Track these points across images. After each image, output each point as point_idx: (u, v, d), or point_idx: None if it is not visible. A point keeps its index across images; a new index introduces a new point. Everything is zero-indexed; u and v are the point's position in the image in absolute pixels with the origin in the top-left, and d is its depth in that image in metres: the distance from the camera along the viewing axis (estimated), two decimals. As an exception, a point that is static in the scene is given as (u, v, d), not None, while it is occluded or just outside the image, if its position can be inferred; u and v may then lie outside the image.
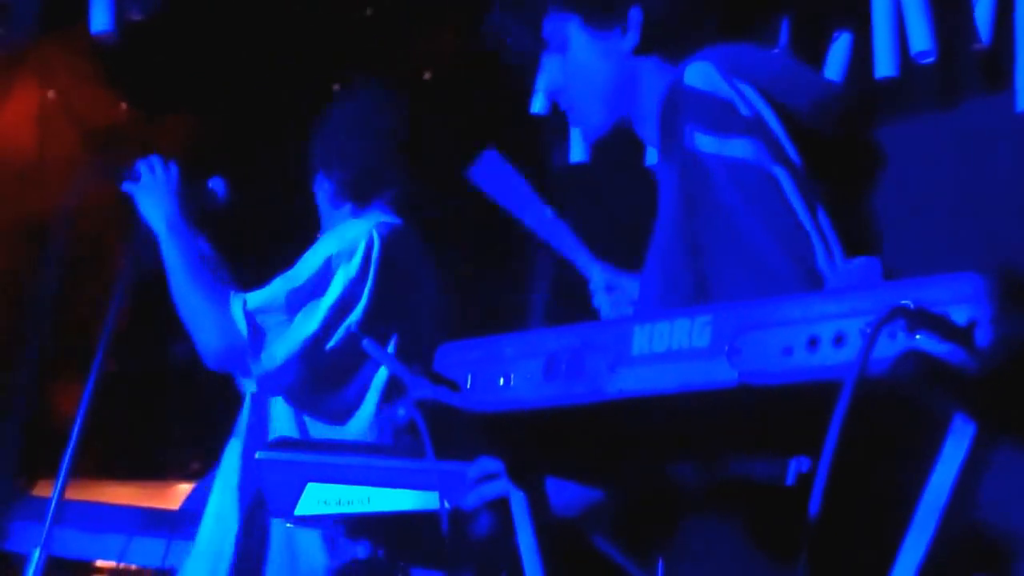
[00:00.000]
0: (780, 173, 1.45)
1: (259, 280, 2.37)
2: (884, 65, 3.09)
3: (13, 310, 4.24)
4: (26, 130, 4.21)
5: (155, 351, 4.39)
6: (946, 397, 0.99)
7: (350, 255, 2.32)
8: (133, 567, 3.49)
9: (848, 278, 1.29)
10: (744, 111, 1.48)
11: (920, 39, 3.04)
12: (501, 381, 1.22)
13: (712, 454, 1.34)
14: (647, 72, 1.69)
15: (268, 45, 3.99)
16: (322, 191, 2.55)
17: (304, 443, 2.06)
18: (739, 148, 1.46)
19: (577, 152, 3.58)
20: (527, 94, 3.48)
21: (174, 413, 4.41)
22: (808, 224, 1.42)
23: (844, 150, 1.59)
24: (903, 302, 0.97)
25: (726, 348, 1.09)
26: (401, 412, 1.19)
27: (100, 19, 3.26)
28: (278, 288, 2.32)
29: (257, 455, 1.73)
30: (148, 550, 3.32)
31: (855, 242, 1.45)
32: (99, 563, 3.52)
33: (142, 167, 2.39)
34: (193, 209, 2.41)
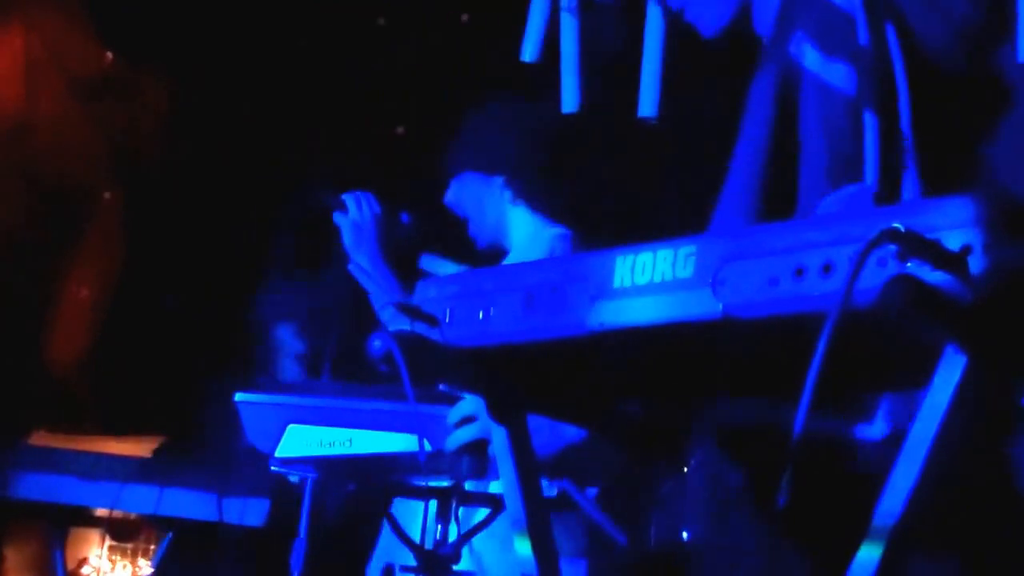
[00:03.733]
0: (869, 118, 1.34)
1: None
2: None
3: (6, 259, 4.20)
4: (13, 79, 4.15)
5: (151, 307, 4.37)
6: (937, 326, 0.94)
7: None
8: (132, 516, 3.48)
9: (837, 206, 1.24)
10: (862, 38, 1.36)
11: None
12: (480, 315, 1.17)
13: (698, 392, 1.30)
14: None
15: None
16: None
17: (285, 384, 2.03)
18: (839, 75, 1.36)
19: (569, 102, 3.51)
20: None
21: (174, 368, 4.39)
22: (873, 178, 1.32)
23: (968, 89, 1.47)
24: (893, 225, 0.92)
25: (710, 279, 1.05)
26: (377, 344, 1.14)
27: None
28: None
29: (237, 397, 1.69)
30: (141, 498, 3.30)
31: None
32: (98, 511, 3.51)
33: (350, 201, 2.53)
34: (388, 241, 2.53)
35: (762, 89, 1.44)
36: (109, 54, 4.21)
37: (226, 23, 4.02)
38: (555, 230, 2.49)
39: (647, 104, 3.21)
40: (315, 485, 2.04)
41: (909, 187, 1.34)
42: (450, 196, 2.56)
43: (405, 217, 2.56)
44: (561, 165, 2.55)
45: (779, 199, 1.38)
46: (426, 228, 2.59)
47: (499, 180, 2.50)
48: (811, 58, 1.38)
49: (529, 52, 3.69)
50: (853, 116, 1.35)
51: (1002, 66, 1.44)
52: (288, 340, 3.45)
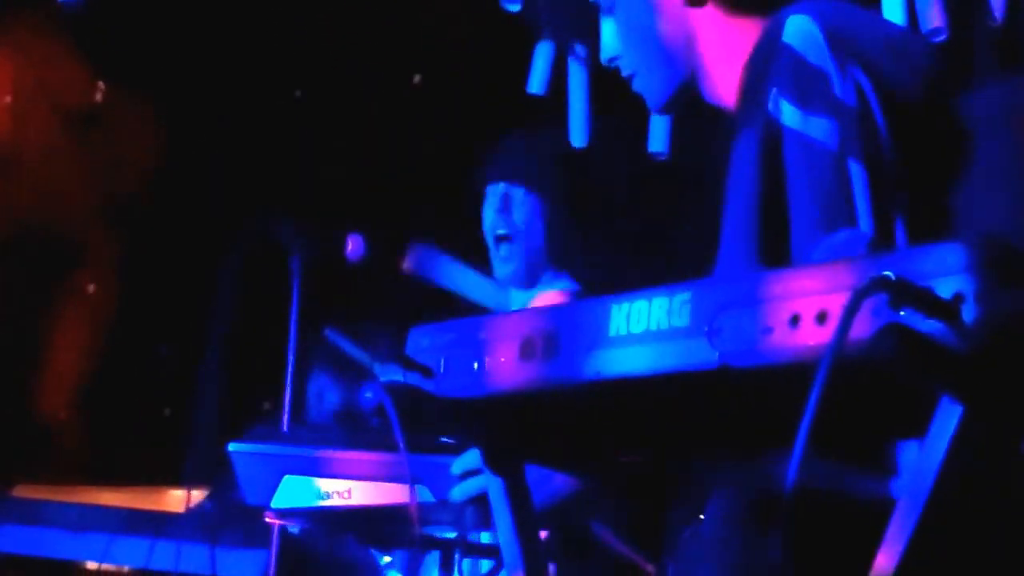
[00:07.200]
0: (855, 169, 1.42)
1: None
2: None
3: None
4: (1, 111, 4.24)
5: (142, 354, 4.42)
6: (931, 377, 0.99)
7: None
8: (126, 569, 3.52)
9: (831, 252, 1.29)
10: (837, 90, 1.44)
11: (931, 17, 3.04)
12: (475, 365, 1.22)
13: (696, 441, 1.34)
14: (705, 24, 1.64)
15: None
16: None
17: (280, 434, 2.08)
18: (820, 129, 1.43)
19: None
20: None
21: (163, 417, 4.44)
22: (868, 228, 1.39)
23: (935, 121, 1.52)
24: (884, 273, 0.97)
25: (706, 328, 1.10)
26: (369, 396, 1.19)
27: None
28: None
29: (230, 447, 1.74)
30: (131, 550, 3.35)
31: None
32: (90, 565, 3.55)
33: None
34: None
35: (745, 150, 1.51)
36: (101, 84, 4.29)
37: (222, 52, 4.10)
38: None
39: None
40: (308, 536, 2.09)
41: (899, 235, 1.40)
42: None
43: (355, 240, 2.59)
44: None
45: (774, 257, 1.44)
46: (379, 257, 2.63)
47: None
48: (789, 115, 1.45)
49: (536, 84, 3.77)
50: (838, 169, 1.42)
51: (960, 112, 1.52)
52: (325, 390, 3.50)
